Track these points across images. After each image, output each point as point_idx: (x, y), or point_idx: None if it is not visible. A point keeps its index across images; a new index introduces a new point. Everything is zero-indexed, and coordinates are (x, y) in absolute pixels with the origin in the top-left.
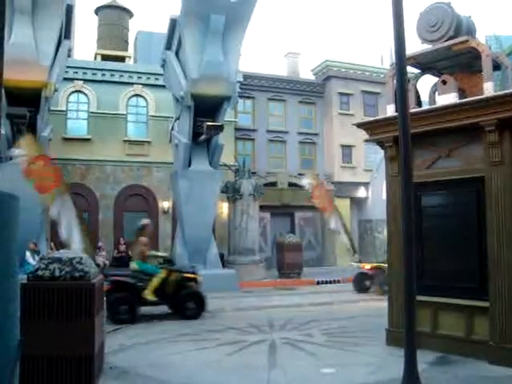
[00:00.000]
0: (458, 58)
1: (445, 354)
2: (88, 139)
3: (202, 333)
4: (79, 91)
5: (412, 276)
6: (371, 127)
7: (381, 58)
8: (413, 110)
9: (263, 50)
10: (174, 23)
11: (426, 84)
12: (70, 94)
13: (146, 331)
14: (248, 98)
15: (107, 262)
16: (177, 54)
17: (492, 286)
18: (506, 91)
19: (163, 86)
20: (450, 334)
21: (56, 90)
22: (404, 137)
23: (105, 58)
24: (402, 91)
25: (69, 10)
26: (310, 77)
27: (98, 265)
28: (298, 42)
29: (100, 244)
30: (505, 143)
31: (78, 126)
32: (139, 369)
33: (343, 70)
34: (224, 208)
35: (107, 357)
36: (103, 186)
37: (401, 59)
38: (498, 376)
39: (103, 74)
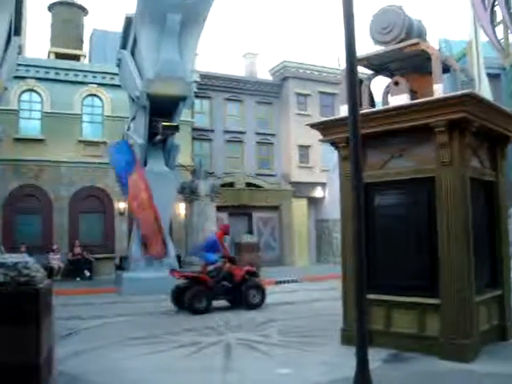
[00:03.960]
0: (409, 59)
1: (398, 351)
2: (41, 140)
3: (157, 335)
4: (32, 90)
5: (363, 275)
6: (325, 127)
7: (338, 59)
8: (365, 110)
9: (222, 50)
10: (129, 22)
11: (379, 85)
12: (21, 93)
13: (100, 335)
14: (205, 98)
15: (62, 265)
16: (132, 53)
17: (442, 284)
18: (455, 93)
19: (119, 86)
20: (403, 331)
21: (6, 88)
22: (354, 137)
23: (59, 56)
24: (352, 92)
25: (19, 6)
26: (268, 77)
27: (52, 268)
28: (256, 42)
29: (55, 246)
30: (454, 144)
31: (30, 125)
32: (90, 375)
33: (300, 71)
34: (181, 209)
35: (58, 363)
36: (57, 187)
37: (351, 60)
38: (447, 371)
39: (57, 73)
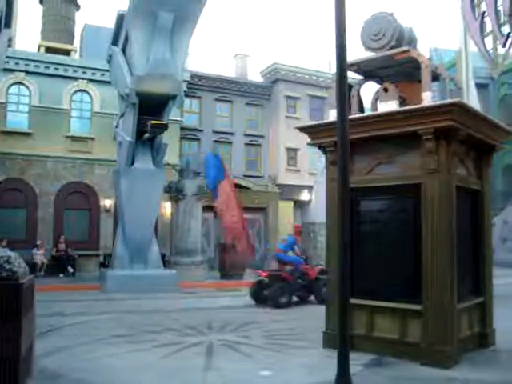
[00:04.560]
0: (399, 66)
1: (379, 355)
2: (29, 133)
3: (138, 334)
4: (20, 83)
5: (346, 279)
6: (313, 131)
7: (329, 63)
8: (354, 115)
9: (214, 50)
10: (121, 18)
11: (369, 91)
12: (10, 86)
13: (82, 332)
14: (195, 97)
15: (45, 261)
16: (123, 49)
17: (425, 291)
18: (443, 101)
19: (109, 82)
20: (385, 336)
21: None
22: (342, 142)
23: (49, 50)
24: (342, 97)
25: None
26: (259, 79)
27: (35, 263)
28: (248, 43)
29: (38, 242)
30: (441, 152)
31: (18, 119)
32: (70, 372)
33: (291, 74)
34: (167, 208)
35: (38, 359)
36: (43, 182)
37: (342, 65)
38: (427, 377)
39: (47, 67)
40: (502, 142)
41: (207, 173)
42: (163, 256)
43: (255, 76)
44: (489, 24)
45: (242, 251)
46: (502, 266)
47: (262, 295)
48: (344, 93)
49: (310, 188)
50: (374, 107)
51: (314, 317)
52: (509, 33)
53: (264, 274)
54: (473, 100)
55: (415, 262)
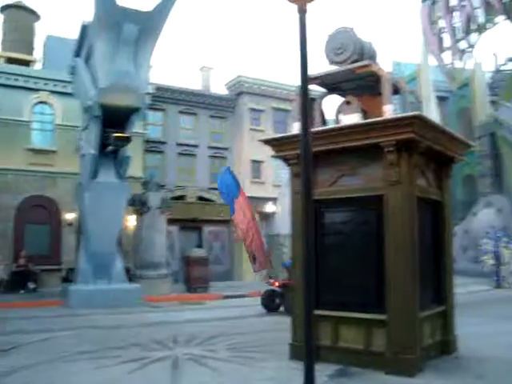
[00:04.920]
0: (361, 80)
1: (345, 366)
2: None
3: (103, 350)
4: None
5: (310, 291)
6: (277, 144)
7: (293, 75)
8: (317, 128)
9: (180, 63)
10: (85, 30)
11: (333, 104)
12: None
13: (44, 349)
14: (159, 110)
15: (5, 277)
16: (87, 61)
17: (388, 300)
18: (404, 114)
19: (72, 94)
20: (350, 346)
21: None
22: (305, 154)
23: (10, 61)
24: (305, 110)
25: None
26: (224, 91)
27: None
28: (214, 56)
29: None
30: (402, 164)
31: None
32: None
33: (255, 87)
34: (131, 221)
35: (1, 378)
36: (3, 195)
37: (304, 79)
38: None
39: (7, 78)
40: (460, 154)
41: (222, 189)
42: (128, 270)
43: (220, 89)
44: (447, 39)
45: (261, 265)
46: (463, 275)
47: (273, 304)
48: (307, 106)
49: (274, 200)
50: (337, 120)
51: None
52: (465, 48)
53: (276, 283)
54: (433, 112)
55: (378, 273)
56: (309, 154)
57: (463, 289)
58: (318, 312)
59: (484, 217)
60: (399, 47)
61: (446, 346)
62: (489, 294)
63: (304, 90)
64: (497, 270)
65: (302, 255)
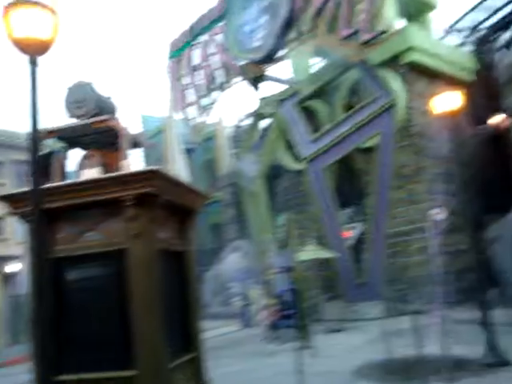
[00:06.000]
0: (101, 135)
1: None
2: None
3: None
4: None
5: (47, 356)
6: (13, 200)
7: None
8: (55, 183)
9: None
10: None
11: (75, 157)
12: None
13: None
14: None
15: None
16: None
17: (137, 355)
18: (141, 169)
19: None
20: None
21: None
22: (35, 211)
23: None
24: (35, 165)
25: None
26: None
27: None
28: None
29: None
30: (142, 217)
31: None
32: None
33: None
34: None
35: None
36: None
37: (35, 134)
38: None
39: None
40: (200, 205)
41: None
42: None
43: None
44: (191, 95)
45: None
46: (215, 319)
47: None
48: (37, 161)
49: (19, 258)
50: (78, 174)
51: None
52: (207, 104)
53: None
54: (179, 164)
55: (126, 328)
56: (39, 210)
57: (214, 332)
58: (61, 377)
59: (231, 261)
60: (150, 101)
61: None
62: (237, 334)
63: (35, 144)
64: (245, 310)
65: (34, 320)
